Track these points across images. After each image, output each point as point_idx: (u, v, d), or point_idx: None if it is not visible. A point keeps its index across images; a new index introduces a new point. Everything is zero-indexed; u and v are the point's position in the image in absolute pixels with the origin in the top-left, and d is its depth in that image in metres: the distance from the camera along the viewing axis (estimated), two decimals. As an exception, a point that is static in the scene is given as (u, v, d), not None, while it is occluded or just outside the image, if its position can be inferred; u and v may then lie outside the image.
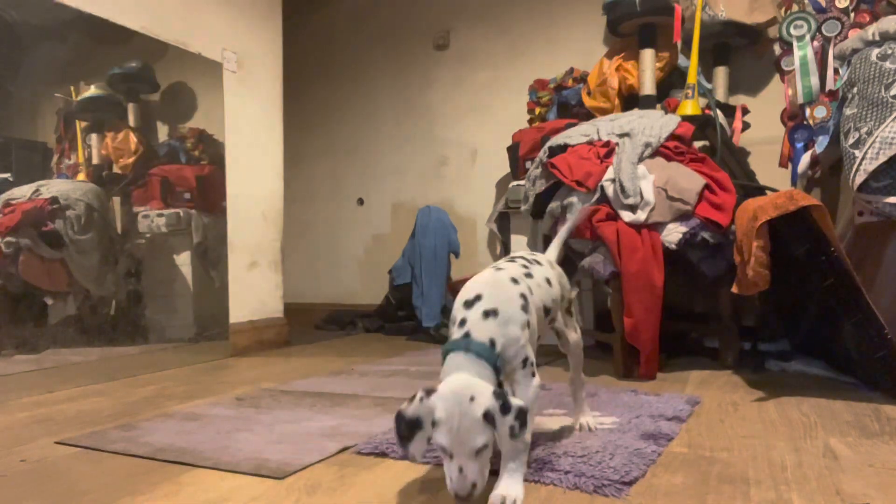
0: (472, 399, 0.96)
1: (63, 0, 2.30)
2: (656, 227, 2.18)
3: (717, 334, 2.42)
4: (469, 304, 1.09)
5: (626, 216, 2.19)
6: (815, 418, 1.58)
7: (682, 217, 2.18)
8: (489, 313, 1.07)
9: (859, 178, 1.90)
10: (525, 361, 1.09)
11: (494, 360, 1.04)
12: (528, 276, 1.22)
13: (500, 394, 0.98)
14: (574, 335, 1.43)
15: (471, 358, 1.02)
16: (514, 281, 1.15)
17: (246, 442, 1.43)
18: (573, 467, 1.19)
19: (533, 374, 1.10)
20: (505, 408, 0.97)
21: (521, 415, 0.97)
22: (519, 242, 3.04)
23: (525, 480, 1.15)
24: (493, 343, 1.05)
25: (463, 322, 1.07)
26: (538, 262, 1.31)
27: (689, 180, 2.21)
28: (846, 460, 1.25)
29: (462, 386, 0.98)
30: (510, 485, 1.03)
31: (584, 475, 1.15)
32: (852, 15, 2.49)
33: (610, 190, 2.24)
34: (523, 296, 1.13)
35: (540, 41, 3.71)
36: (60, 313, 3.25)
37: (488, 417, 0.96)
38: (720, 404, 1.75)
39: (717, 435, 1.45)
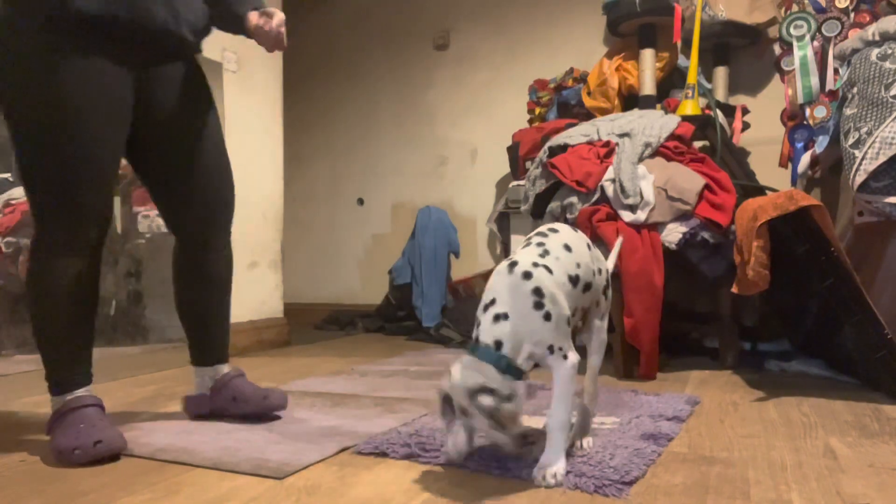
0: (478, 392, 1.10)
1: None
2: (656, 227, 2.18)
3: (717, 334, 2.42)
4: (485, 308, 1.15)
5: (626, 216, 2.19)
6: (815, 418, 1.58)
7: (682, 217, 2.18)
8: (499, 317, 1.13)
9: (859, 178, 1.90)
10: (551, 348, 1.13)
11: (497, 359, 1.10)
12: (545, 254, 1.19)
13: (487, 388, 1.08)
14: (602, 333, 1.33)
15: (473, 359, 1.11)
16: (527, 276, 1.13)
17: (246, 442, 1.43)
18: (573, 467, 1.19)
19: (565, 357, 1.13)
20: (485, 391, 1.08)
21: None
22: (519, 243, 3.04)
23: (524, 480, 1.16)
24: (498, 345, 1.11)
25: (478, 325, 1.15)
26: (554, 231, 1.27)
27: (689, 180, 2.21)
28: (846, 460, 1.26)
29: (459, 381, 1.11)
30: (549, 456, 1.14)
31: (585, 475, 1.15)
32: (852, 15, 2.49)
33: (610, 190, 2.24)
34: (537, 290, 1.12)
35: (540, 41, 3.71)
36: (60, 313, 3.24)
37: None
38: (720, 404, 1.75)
39: (717, 435, 1.45)
